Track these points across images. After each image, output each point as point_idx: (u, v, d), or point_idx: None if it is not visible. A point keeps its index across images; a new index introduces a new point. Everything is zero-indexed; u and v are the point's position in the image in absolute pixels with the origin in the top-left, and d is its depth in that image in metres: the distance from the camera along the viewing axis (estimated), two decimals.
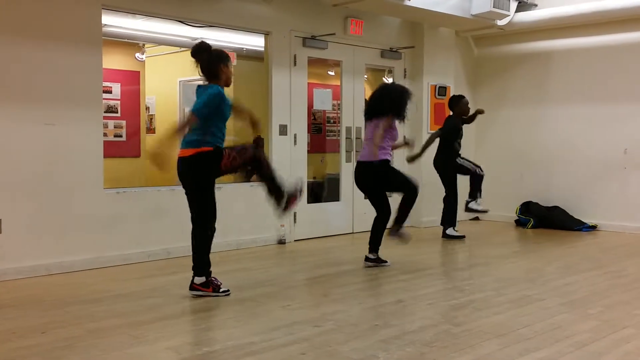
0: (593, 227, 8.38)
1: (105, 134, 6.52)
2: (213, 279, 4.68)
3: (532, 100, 9.07)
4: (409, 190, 5.83)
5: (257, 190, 7.16)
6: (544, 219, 8.60)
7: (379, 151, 5.73)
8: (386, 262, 5.90)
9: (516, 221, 8.87)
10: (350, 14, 7.83)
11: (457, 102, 7.52)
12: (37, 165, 5.43)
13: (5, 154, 5.26)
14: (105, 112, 6.01)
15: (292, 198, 4.77)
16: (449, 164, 7.50)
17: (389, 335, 3.81)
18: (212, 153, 4.50)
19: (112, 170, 6.71)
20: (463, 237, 7.52)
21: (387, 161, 5.83)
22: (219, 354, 3.46)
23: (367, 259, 5.90)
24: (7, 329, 3.89)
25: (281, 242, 7.21)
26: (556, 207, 8.68)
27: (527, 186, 9.00)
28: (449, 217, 7.57)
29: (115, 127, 8.70)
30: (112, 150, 7.45)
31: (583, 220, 8.42)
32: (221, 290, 4.67)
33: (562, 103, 8.78)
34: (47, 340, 3.68)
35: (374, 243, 5.91)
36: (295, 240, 7.41)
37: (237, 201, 6.89)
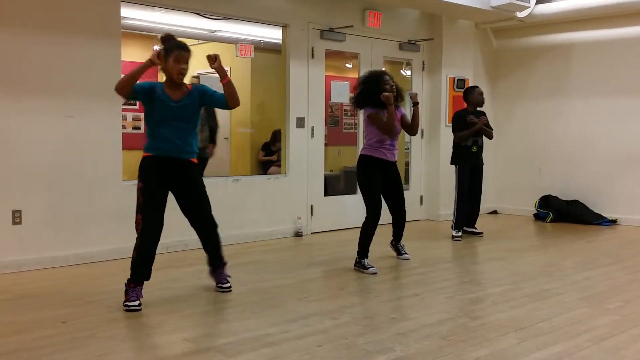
0: (613, 222, 8.29)
1: (123, 126, 6.56)
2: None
3: (552, 93, 8.98)
4: (367, 213, 5.45)
5: (273, 183, 7.21)
6: (563, 213, 8.53)
7: (363, 147, 5.57)
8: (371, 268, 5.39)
9: (535, 215, 8.80)
10: (368, 6, 7.79)
11: (471, 93, 7.32)
12: (56, 157, 5.48)
13: (25, 146, 5.31)
14: (124, 104, 6.03)
15: None
16: (452, 157, 7.23)
17: (405, 328, 3.81)
18: (142, 158, 4.35)
19: (130, 162, 6.75)
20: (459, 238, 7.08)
21: (365, 158, 5.48)
22: (235, 345, 3.48)
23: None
24: (28, 319, 3.94)
25: (298, 234, 7.22)
26: (576, 201, 8.60)
27: (546, 180, 8.92)
28: (453, 217, 7.18)
29: (133, 119, 8.75)
30: (130, 142, 7.49)
31: (603, 215, 8.34)
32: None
33: (581, 96, 8.69)
34: (67, 330, 3.72)
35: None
36: (312, 233, 7.41)
37: (253, 194, 6.91)
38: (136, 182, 4.30)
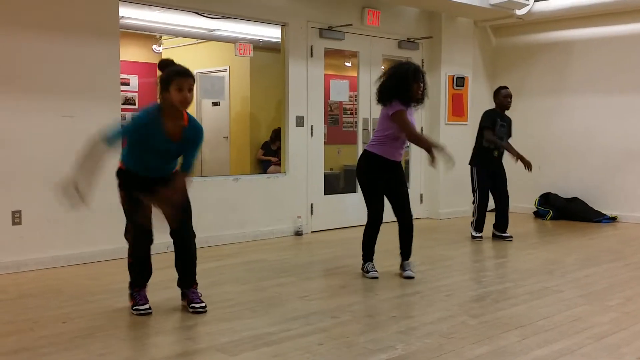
0: (613, 219, 8.29)
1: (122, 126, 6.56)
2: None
3: (551, 91, 8.98)
4: (367, 215, 5.16)
5: (273, 182, 7.20)
6: (563, 210, 8.53)
7: (370, 143, 5.16)
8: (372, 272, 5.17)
9: (535, 213, 8.80)
10: (367, 4, 7.79)
11: (497, 93, 6.99)
12: (56, 156, 5.47)
13: (24, 146, 5.31)
14: (123, 104, 6.04)
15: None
16: (472, 157, 6.96)
17: (406, 326, 3.81)
18: (119, 169, 4.07)
19: None
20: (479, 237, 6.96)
21: (370, 156, 5.07)
22: (236, 344, 3.48)
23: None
24: (28, 319, 3.94)
25: (298, 233, 7.22)
26: (575, 199, 8.61)
27: (546, 177, 8.92)
28: (473, 219, 6.98)
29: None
30: None
31: (603, 212, 8.34)
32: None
33: (581, 93, 8.69)
34: (67, 329, 3.72)
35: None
36: (312, 232, 7.41)
37: (253, 193, 6.91)
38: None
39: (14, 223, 5.26)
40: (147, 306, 4.03)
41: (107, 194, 5.74)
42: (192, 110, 9.59)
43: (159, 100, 3.91)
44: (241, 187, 6.83)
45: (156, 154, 3.91)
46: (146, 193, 3.89)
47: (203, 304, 4.11)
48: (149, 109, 3.92)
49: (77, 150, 3.76)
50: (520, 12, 8.42)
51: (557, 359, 3.28)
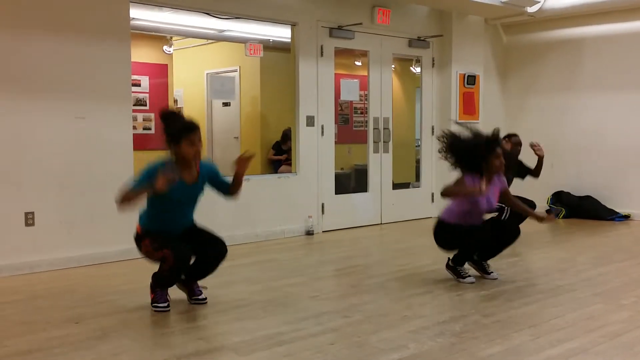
0: (626, 217, 8.23)
1: (134, 127, 6.58)
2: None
3: (563, 89, 8.92)
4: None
5: (284, 182, 7.21)
6: (575, 208, 8.47)
7: (446, 209, 4.91)
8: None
9: (547, 211, 8.69)
10: (377, 3, 7.77)
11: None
12: (68, 158, 5.51)
13: (36, 148, 5.34)
14: (134, 105, 6.06)
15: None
16: None
17: (418, 325, 3.79)
18: (137, 234, 4.14)
19: (141, 162, 6.77)
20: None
21: (443, 222, 4.86)
22: (248, 344, 3.48)
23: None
24: (41, 319, 3.96)
25: (309, 233, 7.22)
26: (588, 197, 8.54)
27: (559, 176, 8.85)
28: None
29: (144, 119, 8.78)
30: (141, 143, 7.52)
31: (616, 210, 8.28)
32: None
33: (593, 91, 8.62)
34: (80, 330, 3.74)
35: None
36: (323, 231, 7.41)
37: (265, 192, 6.91)
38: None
39: (27, 224, 5.30)
40: (166, 304, 4.09)
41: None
42: (202, 111, 9.64)
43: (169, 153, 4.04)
44: (252, 187, 6.83)
45: (177, 205, 4.07)
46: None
47: (204, 296, 4.25)
48: (161, 163, 4.01)
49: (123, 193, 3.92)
50: (531, 9, 8.37)
51: (571, 357, 3.26)
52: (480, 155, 4.67)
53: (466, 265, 4.90)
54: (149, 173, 3.92)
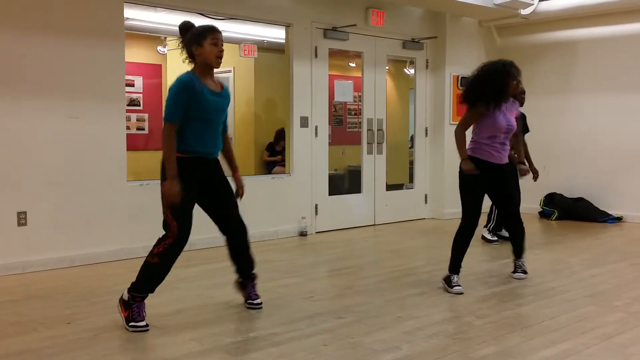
0: (619, 219, 8.26)
1: (128, 127, 6.57)
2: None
3: (557, 91, 8.95)
4: (461, 219, 4.79)
5: (277, 183, 7.20)
6: (568, 210, 8.50)
7: (468, 144, 4.80)
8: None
9: (540, 213, 8.77)
10: (371, 4, 7.78)
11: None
12: (61, 158, 5.49)
13: (29, 147, 5.32)
14: (128, 105, 6.05)
15: None
16: None
17: (412, 326, 3.80)
18: (179, 160, 3.74)
19: (135, 163, 6.76)
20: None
21: (471, 160, 4.71)
22: (242, 345, 3.47)
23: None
24: (33, 320, 3.94)
25: (303, 234, 7.22)
26: (581, 199, 8.58)
27: (552, 177, 8.88)
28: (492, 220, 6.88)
29: (137, 120, 8.76)
30: (135, 143, 7.51)
31: (608, 212, 8.31)
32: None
33: (587, 93, 8.66)
34: (72, 330, 3.72)
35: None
36: (316, 232, 7.41)
37: (258, 193, 6.90)
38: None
39: (19, 224, 5.27)
40: (144, 323, 3.73)
41: (111, 195, 5.78)
42: None
43: (189, 64, 3.86)
44: (246, 187, 6.80)
45: (209, 115, 3.79)
46: (202, 191, 3.88)
47: (259, 301, 4.16)
48: (182, 76, 3.78)
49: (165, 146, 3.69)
50: (524, 11, 8.40)
51: (564, 359, 3.27)
52: (500, 78, 4.72)
53: (455, 279, 4.71)
54: (178, 97, 3.68)
